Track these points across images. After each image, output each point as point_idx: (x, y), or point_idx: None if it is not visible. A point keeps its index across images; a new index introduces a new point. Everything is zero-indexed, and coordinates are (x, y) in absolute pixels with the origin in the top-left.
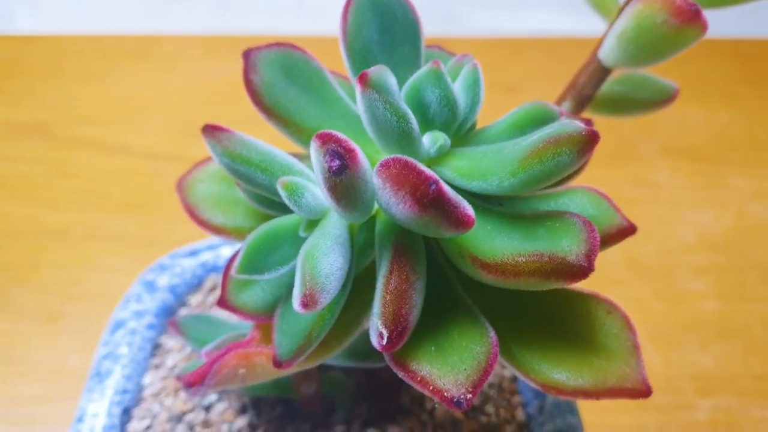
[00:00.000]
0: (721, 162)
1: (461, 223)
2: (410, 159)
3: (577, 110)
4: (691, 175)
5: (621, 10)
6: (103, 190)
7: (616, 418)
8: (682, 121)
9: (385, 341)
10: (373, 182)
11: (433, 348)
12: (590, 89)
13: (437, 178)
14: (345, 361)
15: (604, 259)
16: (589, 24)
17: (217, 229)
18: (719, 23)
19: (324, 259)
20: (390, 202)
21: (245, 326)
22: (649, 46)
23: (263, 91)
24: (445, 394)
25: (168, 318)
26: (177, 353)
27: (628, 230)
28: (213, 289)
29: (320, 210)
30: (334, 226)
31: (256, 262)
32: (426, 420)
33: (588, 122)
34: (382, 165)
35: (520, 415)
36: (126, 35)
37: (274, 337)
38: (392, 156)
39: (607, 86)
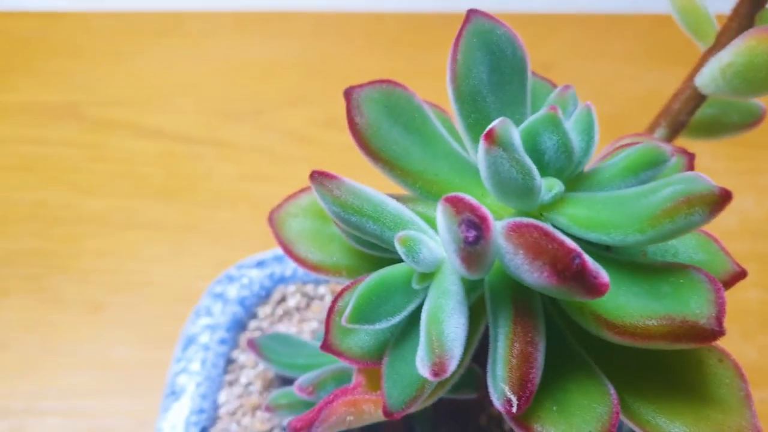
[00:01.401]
0: (763, 146)
1: (598, 292)
2: (547, 227)
3: (671, 136)
4: (732, 159)
5: (720, 36)
6: (140, 175)
7: None
8: None
9: (514, 408)
10: (498, 243)
11: (554, 408)
12: (685, 116)
13: (580, 250)
14: None
15: None
16: None
17: (315, 267)
18: None
19: (449, 321)
20: (522, 269)
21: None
22: (759, 81)
23: (369, 135)
24: None
25: (238, 331)
26: (251, 369)
27: (740, 276)
28: (281, 300)
29: (436, 264)
30: (451, 281)
31: (367, 312)
32: None
33: (691, 158)
34: (513, 230)
35: None
36: (153, 11)
37: (384, 385)
38: (523, 220)
39: (699, 111)
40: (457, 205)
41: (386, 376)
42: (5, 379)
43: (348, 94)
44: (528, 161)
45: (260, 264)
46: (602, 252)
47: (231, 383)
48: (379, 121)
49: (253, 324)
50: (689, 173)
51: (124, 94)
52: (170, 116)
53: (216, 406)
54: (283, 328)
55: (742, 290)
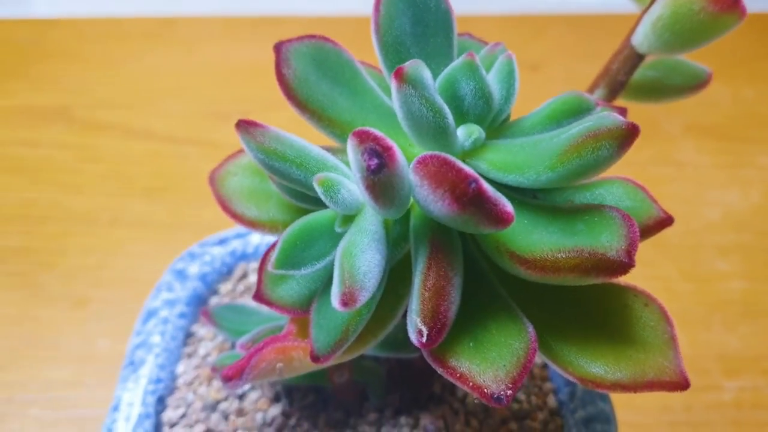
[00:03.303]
0: (747, 140)
1: (500, 220)
2: (449, 156)
3: (610, 97)
4: (716, 153)
5: None
6: (127, 175)
7: (642, 398)
8: (706, 99)
9: (425, 338)
10: (410, 178)
11: (471, 344)
12: (623, 76)
13: (477, 176)
14: (378, 351)
15: None
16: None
17: (250, 223)
18: None
19: (362, 256)
20: (428, 199)
21: (278, 317)
22: (685, 33)
23: (296, 86)
24: (485, 390)
25: (199, 306)
26: (209, 342)
27: (665, 222)
28: (242, 277)
29: (356, 206)
30: (370, 222)
31: (292, 257)
32: (458, 408)
33: (623, 112)
34: (419, 162)
35: (552, 401)
36: (143, 17)
37: (311, 331)
38: (429, 153)
39: (640, 72)
40: (362, 136)
41: (314, 322)
42: None
43: (277, 47)
44: (438, 100)
45: (222, 241)
46: (528, 199)
47: (189, 355)
48: (306, 73)
49: (214, 300)
50: (601, 113)
51: (114, 96)
52: (158, 118)
53: (174, 377)
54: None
55: (726, 281)
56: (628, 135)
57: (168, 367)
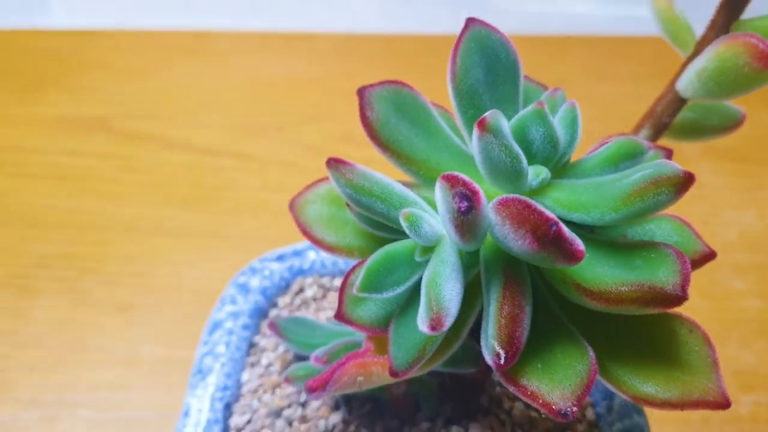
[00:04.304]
0: (762, 162)
1: (574, 258)
2: (529, 200)
3: (654, 137)
4: (732, 175)
5: (699, 44)
6: (167, 185)
7: (662, 411)
8: None
9: (502, 361)
10: (489, 217)
11: (539, 365)
12: (667, 118)
13: (557, 219)
14: (442, 367)
15: None
16: (627, 11)
17: (329, 248)
18: None
19: (446, 285)
20: (508, 237)
21: (341, 330)
22: (729, 84)
23: (379, 128)
24: (553, 407)
25: (260, 318)
26: (271, 352)
27: (709, 256)
28: (299, 291)
29: (435, 238)
30: (449, 253)
31: (375, 282)
32: (504, 419)
33: (669, 154)
34: (501, 204)
35: (590, 414)
36: (179, 31)
37: (390, 349)
38: (509, 195)
39: (681, 114)
40: (452, 180)
41: (392, 341)
42: (38, 374)
43: (361, 92)
44: (515, 147)
45: (280, 258)
46: (586, 234)
47: (253, 364)
48: (387, 116)
49: (273, 312)
50: (659, 161)
51: (151, 108)
52: (196, 130)
53: (239, 385)
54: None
55: (742, 299)
56: (685, 182)
57: (233, 375)
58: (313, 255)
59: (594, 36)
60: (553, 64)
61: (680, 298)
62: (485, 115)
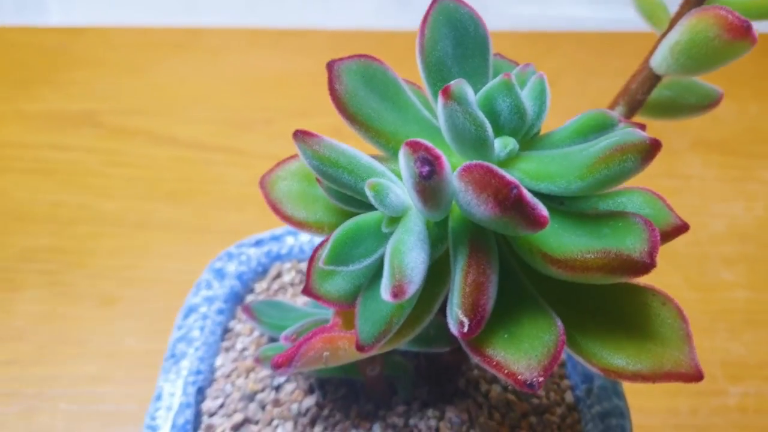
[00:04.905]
0: (751, 155)
1: (537, 223)
2: (491, 165)
3: (629, 114)
4: (721, 167)
5: (673, 21)
6: (154, 179)
7: (650, 401)
8: (713, 115)
9: (465, 329)
10: (453, 184)
11: (506, 336)
12: (642, 95)
13: (518, 182)
14: (411, 346)
15: None
16: (616, 13)
17: (299, 224)
18: None
19: (409, 253)
20: (471, 203)
21: (316, 312)
22: (701, 57)
23: (347, 100)
24: (519, 377)
25: (236, 303)
26: (246, 337)
27: (681, 228)
28: (276, 276)
29: (402, 208)
30: (415, 223)
31: (341, 254)
32: (482, 402)
33: (642, 128)
34: (464, 170)
35: (569, 397)
36: (170, 27)
37: (357, 323)
38: (473, 161)
39: (656, 91)
40: (414, 146)
41: (359, 314)
42: (19, 366)
43: (330, 65)
44: (480, 115)
45: (258, 243)
46: (556, 206)
47: (227, 349)
48: (356, 89)
49: (249, 297)
50: (626, 129)
51: (140, 103)
52: (184, 125)
53: (213, 369)
54: None
55: (730, 290)
56: (651, 149)
57: (207, 360)
58: (292, 240)
59: (584, 32)
60: (544, 60)
61: (648, 265)
62: (450, 83)
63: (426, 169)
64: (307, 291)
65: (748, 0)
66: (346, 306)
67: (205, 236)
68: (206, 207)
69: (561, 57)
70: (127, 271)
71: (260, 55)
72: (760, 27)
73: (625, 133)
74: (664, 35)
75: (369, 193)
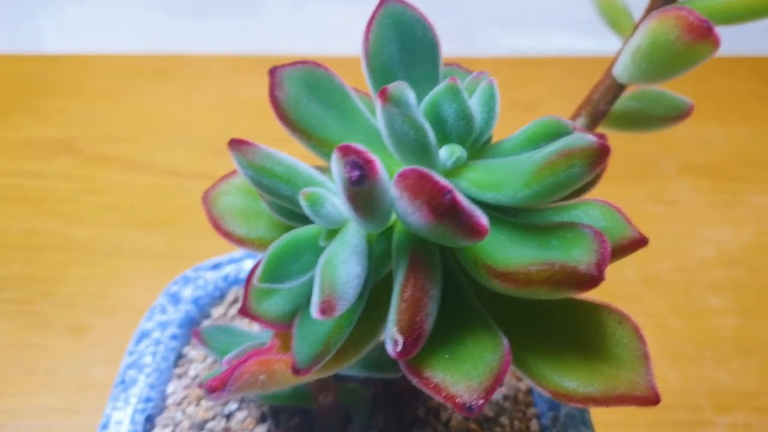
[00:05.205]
0: (740, 179)
1: (475, 231)
2: (426, 170)
3: (591, 126)
4: (710, 192)
5: (636, 27)
6: (129, 206)
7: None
8: (701, 139)
9: (400, 348)
10: (391, 193)
11: (447, 356)
12: (604, 105)
13: (452, 187)
14: (362, 371)
15: (621, 275)
16: (608, 44)
17: (239, 240)
18: (739, 41)
19: (342, 267)
20: (407, 211)
21: (267, 336)
22: (663, 62)
23: (288, 107)
24: (458, 400)
25: (191, 329)
26: (200, 363)
27: (639, 242)
28: (235, 301)
29: (339, 220)
30: (353, 235)
31: (277, 271)
32: (441, 431)
33: (601, 137)
34: (399, 175)
35: (535, 426)
36: (152, 55)
37: (293, 344)
38: (409, 167)
39: (622, 102)
40: (345, 150)
41: (296, 335)
42: None
43: (272, 72)
44: (420, 118)
45: (216, 266)
46: (507, 218)
47: (180, 376)
48: (298, 96)
49: (206, 323)
50: (574, 134)
51: (119, 130)
52: (162, 152)
53: (164, 397)
54: None
55: (718, 317)
56: (599, 154)
57: (158, 386)
58: (251, 263)
59: (567, 57)
60: (526, 85)
61: (595, 278)
62: (388, 85)
63: (356, 173)
64: (243, 311)
65: (714, 3)
66: (285, 327)
67: (178, 264)
68: (180, 234)
69: (547, 82)
70: (97, 299)
71: (240, 83)
72: (744, 49)
73: (573, 138)
74: (626, 42)
75: (303, 204)
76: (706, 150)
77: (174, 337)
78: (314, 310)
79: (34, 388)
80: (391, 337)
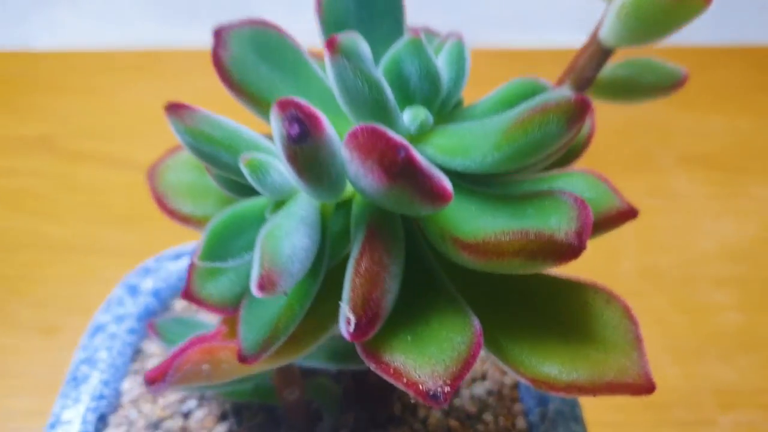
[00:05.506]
0: (741, 170)
1: (435, 195)
2: (379, 126)
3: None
4: (710, 184)
5: None
6: (106, 204)
7: (630, 426)
8: (700, 130)
9: (353, 328)
10: (342, 155)
11: (409, 338)
12: (591, 71)
13: (407, 144)
14: (327, 362)
15: (619, 269)
16: None
17: (185, 219)
18: (740, 30)
19: (286, 239)
20: (358, 174)
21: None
22: (650, 19)
23: (232, 67)
24: (421, 386)
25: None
26: (158, 358)
27: (628, 213)
28: None
29: (287, 189)
30: (302, 206)
31: (219, 247)
32: (419, 429)
33: (580, 98)
34: (350, 135)
35: (521, 423)
36: (131, 51)
37: (239, 329)
38: (360, 125)
39: (610, 70)
40: (283, 105)
41: (243, 320)
42: None
43: (217, 31)
44: (376, 72)
45: (178, 256)
46: (481, 188)
47: (137, 372)
48: (244, 55)
49: (167, 316)
50: (550, 92)
51: (98, 127)
52: (140, 148)
53: (118, 394)
54: None
55: (721, 312)
56: (577, 109)
57: (113, 383)
58: None
59: (562, 50)
60: None
61: (575, 248)
62: (338, 35)
63: (296, 129)
64: (186, 294)
65: None
66: (232, 311)
67: None
68: (158, 232)
69: (544, 76)
70: (71, 299)
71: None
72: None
73: (548, 95)
74: (611, 3)
75: (245, 171)
76: (706, 141)
77: (132, 331)
78: (253, 286)
79: (5, 389)
80: (344, 315)
